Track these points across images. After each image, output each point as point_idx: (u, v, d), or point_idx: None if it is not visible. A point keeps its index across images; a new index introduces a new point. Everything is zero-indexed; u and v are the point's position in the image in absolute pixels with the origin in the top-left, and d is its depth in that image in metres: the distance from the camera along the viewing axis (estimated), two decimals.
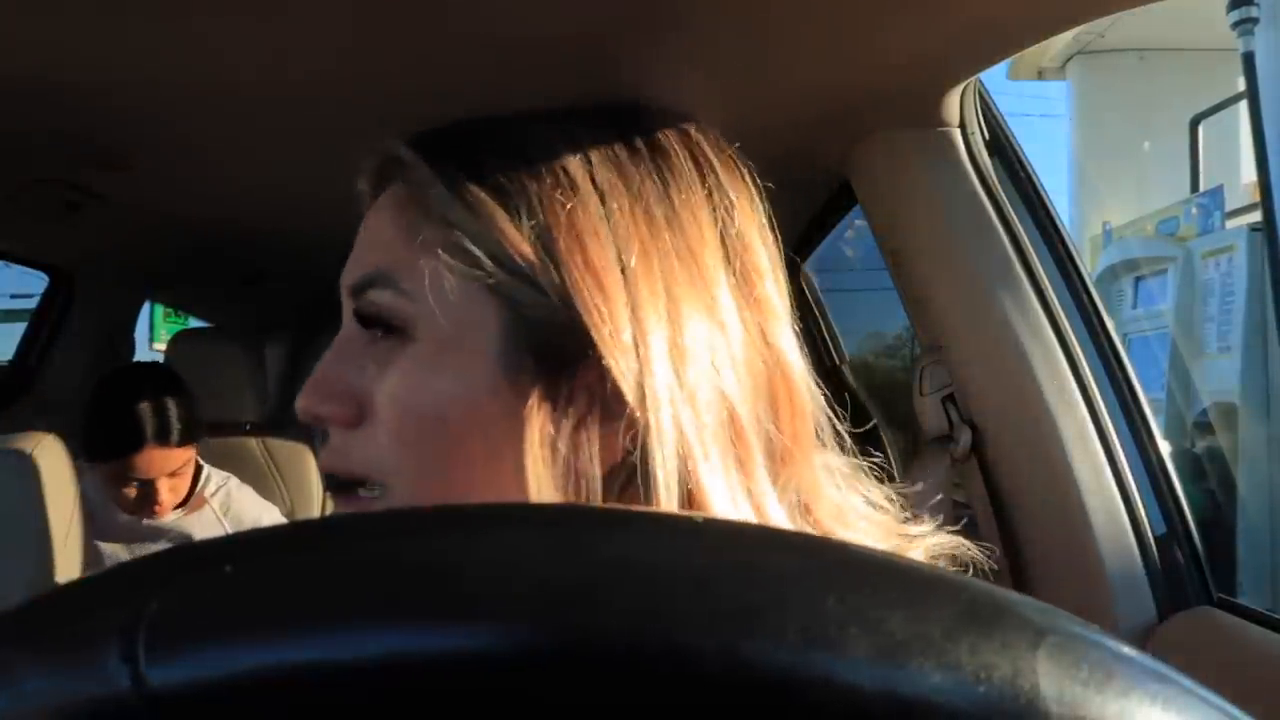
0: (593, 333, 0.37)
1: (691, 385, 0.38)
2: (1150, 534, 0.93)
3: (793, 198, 1.42)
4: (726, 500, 0.37)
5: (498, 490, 0.38)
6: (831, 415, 0.46)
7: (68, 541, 1.32)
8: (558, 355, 0.38)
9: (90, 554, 1.47)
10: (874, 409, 1.92)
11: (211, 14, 0.80)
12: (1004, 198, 1.00)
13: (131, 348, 2.25)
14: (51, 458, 1.32)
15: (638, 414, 0.36)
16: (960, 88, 0.94)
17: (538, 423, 0.37)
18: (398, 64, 0.91)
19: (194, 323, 2.79)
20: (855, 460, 0.47)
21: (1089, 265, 3.23)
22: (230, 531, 1.58)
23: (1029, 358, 0.94)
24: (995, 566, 0.48)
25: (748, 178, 0.46)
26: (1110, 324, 1.03)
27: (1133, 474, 0.94)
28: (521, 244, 0.38)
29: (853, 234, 1.83)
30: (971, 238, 0.97)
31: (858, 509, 0.43)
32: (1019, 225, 0.99)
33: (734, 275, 0.41)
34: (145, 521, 1.55)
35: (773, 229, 0.45)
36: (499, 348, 0.39)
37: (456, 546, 0.19)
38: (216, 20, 0.81)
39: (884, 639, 0.17)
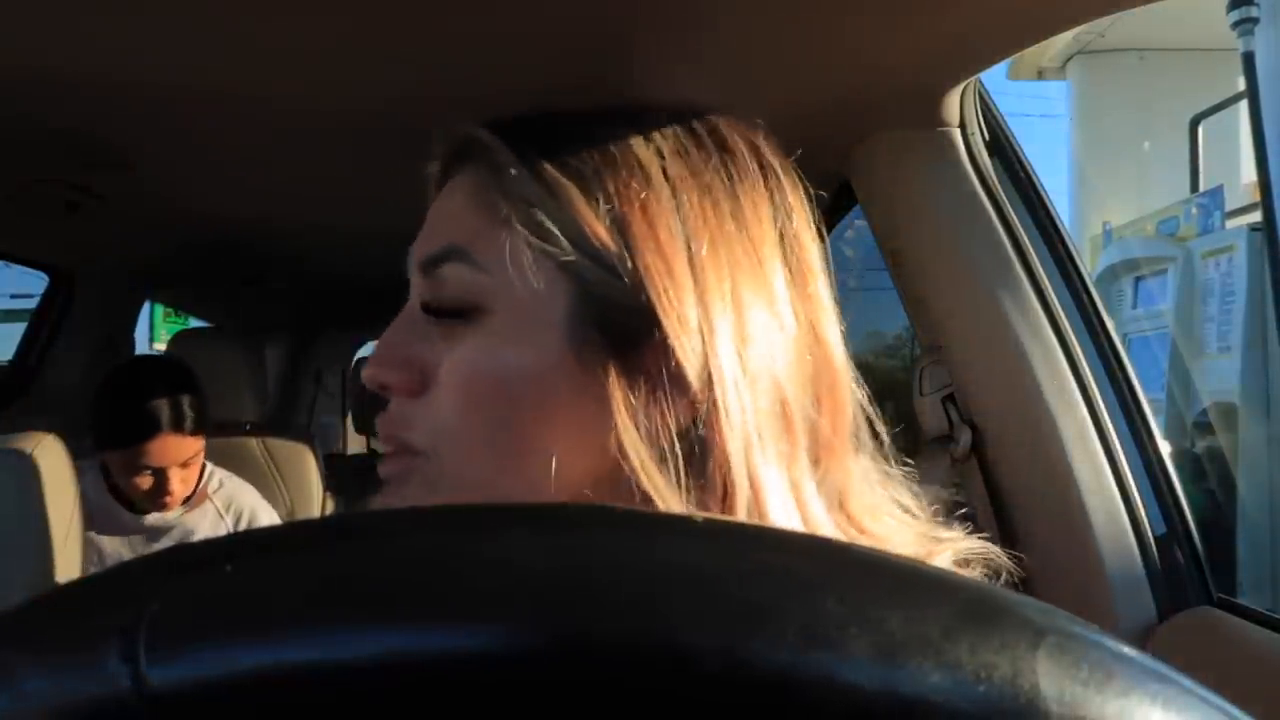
0: (661, 315, 0.38)
1: (753, 371, 0.39)
2: (1150, 534, 0.93)
3: None
4: (777, 486, 0.39)
5: (545, 464, 0.39)
6: (871, 416, 0.47)
7: (68, 541, 1.32)
8: (625, 334, 0.39)
9: (92, 553, 1.47)
10: (874, 409, 1.92)
11: (212, 14, 0.80)
12: (1004, 198, 1.00)
13: (131, 348, 2.25)
14: (51, 458, 1.32)
15: (702, 396, 0.38)
16: (960, 88, 0.94)
17: (619, 394, 0.39)
18: (400, 63, 0.91)
19: (194, 323, 2.79)
20: (887, 466, 0.49)
21: (1089, 265, 3.23)
22: (232, 527, 1.58)
23: (1029, 358, 0.94)
24: (1024, 574, 0.49)
25: (802, 185, 0.48)
26: (1110, 324, 1.03)
27: (1133, 474, 0.94)
28: (597, 226, 0.40)
29: (853, 234, 1.83)
30: (971, 238, 0.97)
31: (888, 508, 0.45)
32: (1019, 225, 0.99)
33: (789, 271, 0.43)
34: (148, 520, 1.55)
35: (821, 238, 0.48)
36: (568, 323, 0.40)
37: (456, 546, 0.19)
38: (217, 20, 0.81)
39: (884, 639, 0.17)
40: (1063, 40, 4.79)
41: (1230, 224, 3.38)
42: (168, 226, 1.59)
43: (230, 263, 1.97)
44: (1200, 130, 3.71)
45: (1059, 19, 0.77)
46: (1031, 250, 0.98)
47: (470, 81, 0.95)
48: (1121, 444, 0.94)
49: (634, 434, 0.38)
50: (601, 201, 0.40)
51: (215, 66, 0.92)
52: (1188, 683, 0.18)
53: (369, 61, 0.91)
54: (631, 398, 0.39)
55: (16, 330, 2.11)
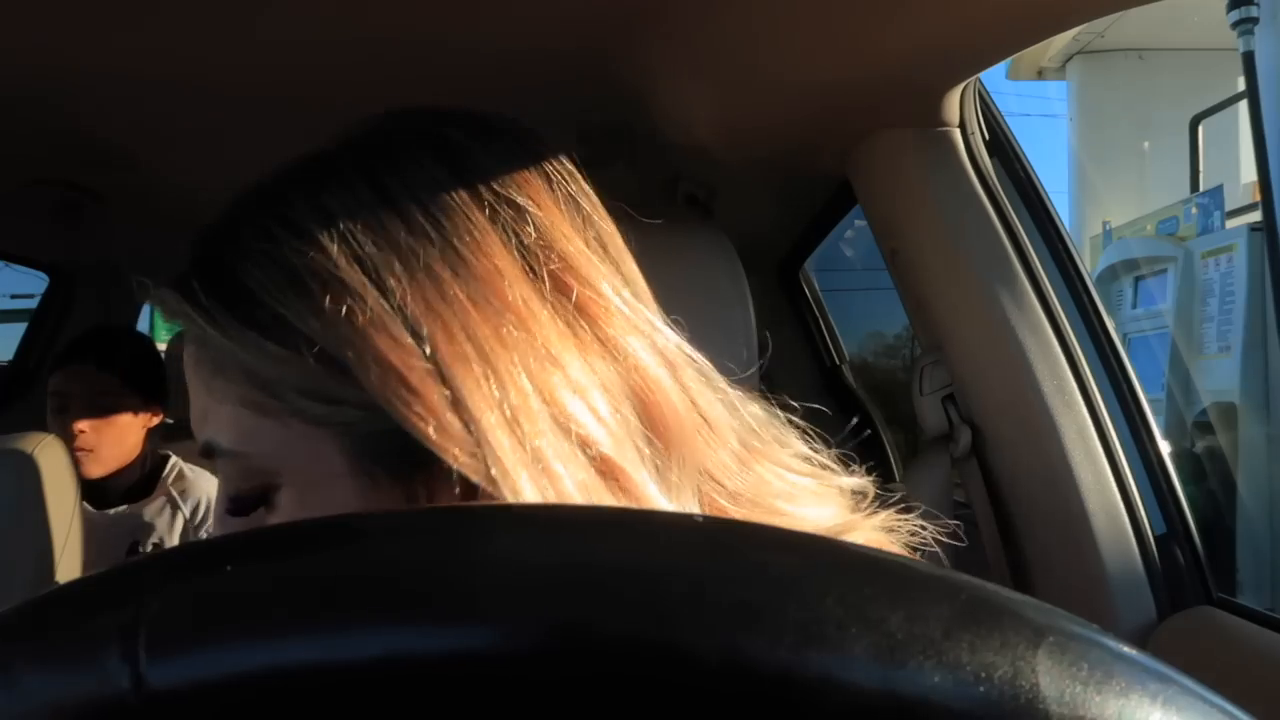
0: (419, 437, 0.33)
1: (536, 443, 0.34)
2: (1150, 534, 0.93)
3: (793, 198, 1.42)
4: None
5: None
6: (732, 402, 0.42)
7: (68, 541, 1.32)
8: (404, 458, 0.35)
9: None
10: (874, 409, 1.92)
11: (212, 15, 0.80)
12: (1004, 198, 1.00)
13: None
14: (51, 458, 1.32)
15: (498, 496, 0.33)
16: (960, 88, 0.94)
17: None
18: (399, 65, 0.91)
19: None
20: (781, 415, 0.45)
21: (1089, 265, 3.23)
22: (188, 516, 1.57)
23: (1029, 358, 0.94)
24: (958, 544, 0.48)
25: (539, 164, 0.40)
26: (1110, 324, 1.03)
27: (1133, 474, 0.94)
28: (310, 372, 0.34)
29: (853, 234, 1.83)
30: (971, 238, 0.97)
31: (783, 484, 0.42)
32: (1019, 225, 0.99)
33: (546, 289, 0.37)
34: (104, 511, 1.53)
35: (623, 209, 0.42)
36: (348, 469, 0.35)
37: (457, 547, 0.19)
38: (217, 21, 0.81)
39: (883, 638, 0.17)
40: (1063, 40, 4.79)
41: (1230, 224, 3.38)
42: (168, 226, 1.59)
43: None
44: (1200, 130, 3.71)
45: (1059, 19, 0.77)
46: (1031, 250, 0.98)
47: (472, 81, 0.95)
48: (1121, 444, 0.94)
49: None
50: (302, 343, 0.34)
51: (216, 67, 0.92)
52: (1188, 682, 0.18)
53: (370, 61, 0.91)
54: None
55: (16, 330, 2.11)
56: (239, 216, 0.40)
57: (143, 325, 2.54)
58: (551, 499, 0.33)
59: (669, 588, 0.18)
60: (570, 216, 0.39)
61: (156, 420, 1.56)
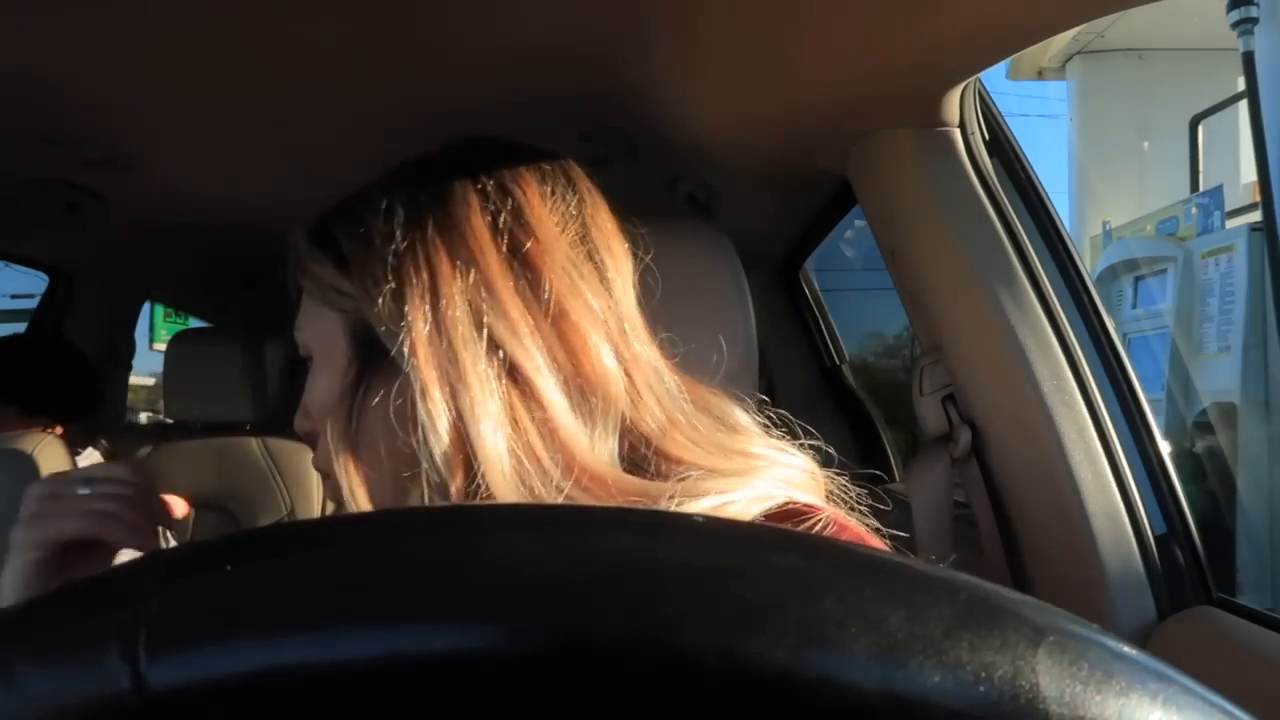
0: (367, 314, 0.49)
1: (454, 340, 0.47)
2: (1150, 534, 0.93)
3: (793, 198, 1.42)
4: (497, 442, 0.45)
5: (379, 459, 0.49)
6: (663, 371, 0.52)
7: None
8: (375, 342, 0.49)
9: None
10: (874, 409, 1.92)
11: (212, 16, 0.80)
12: (1004, 198, 1.00)
13: (131, 348, 2.25)
14: (51, 458, 1.32)
15: (411, 373, 0.46)
16: (960, 88, 0.94)
17: (356, 394, 0.49)
18: (399, 65, 0.91)
19: (194, 323, 2.79)
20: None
21: (1089, 265, 3.23)
22: None
23: (1029, 358, 0.94)
24: (884, 508, 0.53)
25: (544, 170, 0.54)
26: (1110, 324, 1.03)
27: (1133, 474, 0.94)
28: (337, 275, 0.51)
29: (853, 234, 1.83)
30: (971, 238, 0.97)
31: (711, 431, 0.51)
32: (1019, 225, 0.99)
33: (504, 246, 0.50)
34: None
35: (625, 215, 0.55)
36: (347, 347, 0.52)
37: (457, 546, 0.19)
38: (217, 21, 0.81)
39: (884, 638, 0.17)
40: (1063, 40, 4.79)
41: (1230, 224, 3.38)
42: (168, 226, 1.59)
43: (230, 263, 1.96)
44: (1200, 130, 3.71)
45: (1059, 19, 0.77)
46: (1031, 250, 0.98)
47: (472, 83, 0.95)
48: (1121, 444, 0.94)
49: (374, 422, 0.48)
50: (330, 252, 0.52)
51: (216, 67, 0.92)
52: (1188, 682, 0.18)
53: (370, 63, 0.91)
54: (367, 400, 0.49)
55: (16, 330, 2.11)
56: (344, 201, 0.55)
57: (143, 325, 2.53)
58: (454, 386, 0.45)
59: (669, 587, 0.18)
60: (548, 202, 0.53)
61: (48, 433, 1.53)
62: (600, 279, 0.52)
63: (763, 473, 0.49)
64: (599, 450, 0.48)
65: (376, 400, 0.48)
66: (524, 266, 0.50)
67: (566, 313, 0.49)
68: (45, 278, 1.98)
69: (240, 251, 1.85)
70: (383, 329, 0.48)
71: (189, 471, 1.90)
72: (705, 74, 0.93)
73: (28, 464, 1.28)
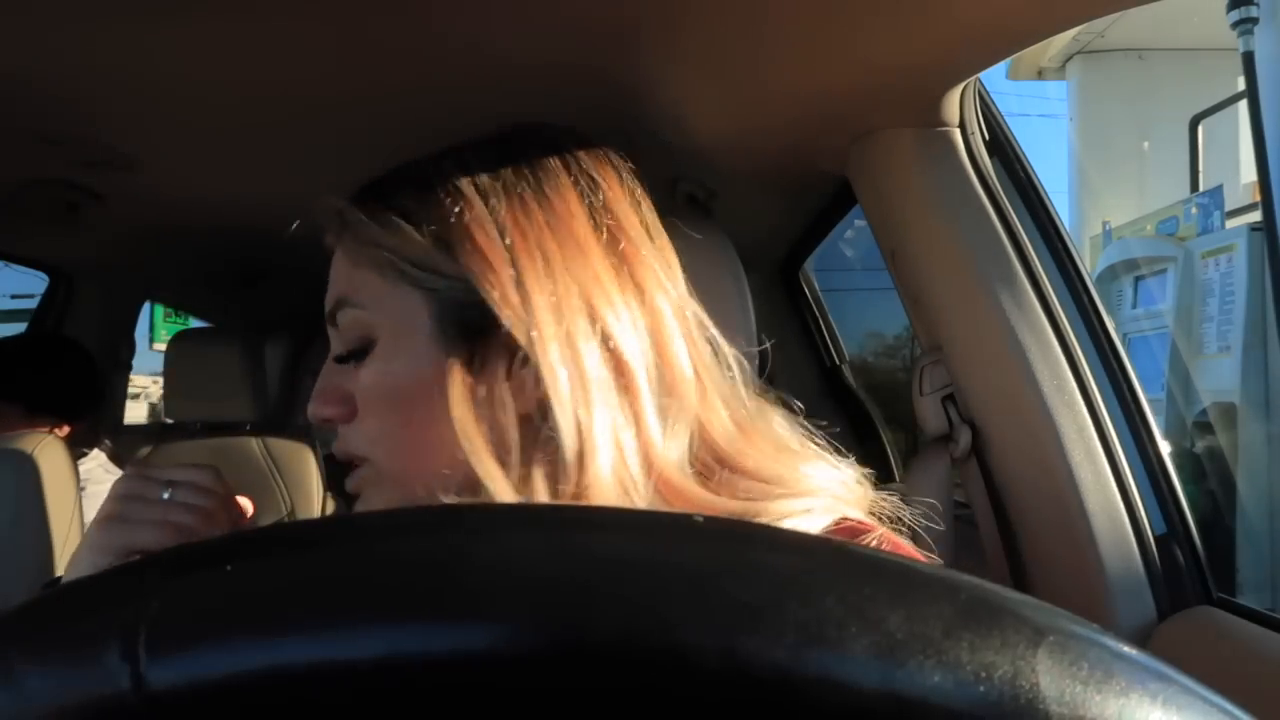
0: (486, 297, 0.46)
1: (570, 328, 0.46)
2: (1150, 534, 0.93)
3: (793, 198, 1.42)
4: (608, 437, 0.45)
5: (445, 449, 0.46)
6: (730, 361, 0.52)
7: (68, 541, 1.32)
8: (473, 324, 0.47)
9: None
10: (874, 409, 1.92)
11: (212, 16, 0.80)
12: (1004, 198, 1.00)
13: (131, 348, 2.25)
14: (51, 458, 1.32)
15: (532, 358, 0.45)
16: (960, 88, 0.94)
17: (458, 378, 0.47)
18: (398, 64, 0.91)
19: (194, 323, 2.79)
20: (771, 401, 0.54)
21: (1089, 265, 3.23)
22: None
23: (1029, 358, 0.94)
24: (939, 527, 0.52)
25: (615, 164, 0.55)
26: (1110, 324, 1.03)
27: (1133, 474, 0.94)
28: (428, 247, 0.49)
29: (853, 234, 1.83)
30: (971, 238, 0.97)
31: (766, 440, 0.50)
32: (1019, 225, 0.99)
33: (603, 236, 0.50)
34: None
35: (651, 204, 0.54)
36: (431, 328, 0.49)
37: (456, 547, 0.19)
38: (217, 22, 0.81)
39: (883, 638, 0.17)
40: (1063, 40, 4.79)
41: (1230, 224, 3.38)
42: (168, 227, 1.59)
43: (230, 263, 1.96)
44: (1200, 130, 3.71)
45: (1059, 19, 0.77)
46: (1031, 250, 0.98)
47: (472, 82, 0.95)
48: (1121, 444, 0.94)
49: (469, 421, 0.45)
50: (426, 225, 0.49)
51: (215, 67, 0.92)
52: (1188, 682, 0.18)
53: (370, 66, 0.91)
54: (472, 379, 0.47)
55: (16, 330, 2.11)
56: (405, 166, 0.54)
57: (142, 325, 2.53)
58: (573, 375, 0.45)
59: (669, 588, 0.18)
60: (629, 199, 0.53)
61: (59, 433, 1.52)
62: (671, 274, 0.52)
63: (819, 488, 0.48)
64: (670, 453, 0.47)
65: (468, 384, 0.47)
66: (620, 259, 0.49)
67: (657, 310, 0.49)
68: (45, 278, 1.98)
69: (240, 251, 1.85)
70: (506, 314, 0.45)
71: None
72: (705, 75, 0.93)
73: (28, 464, 1.28)
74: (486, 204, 0.49)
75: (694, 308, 0.52)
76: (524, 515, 0.21)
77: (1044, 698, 0.17)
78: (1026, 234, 0.99)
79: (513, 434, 0.45)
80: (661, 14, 0.80)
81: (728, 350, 0.52)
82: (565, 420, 0.44)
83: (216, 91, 0.98)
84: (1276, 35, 2.30)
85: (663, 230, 0.54)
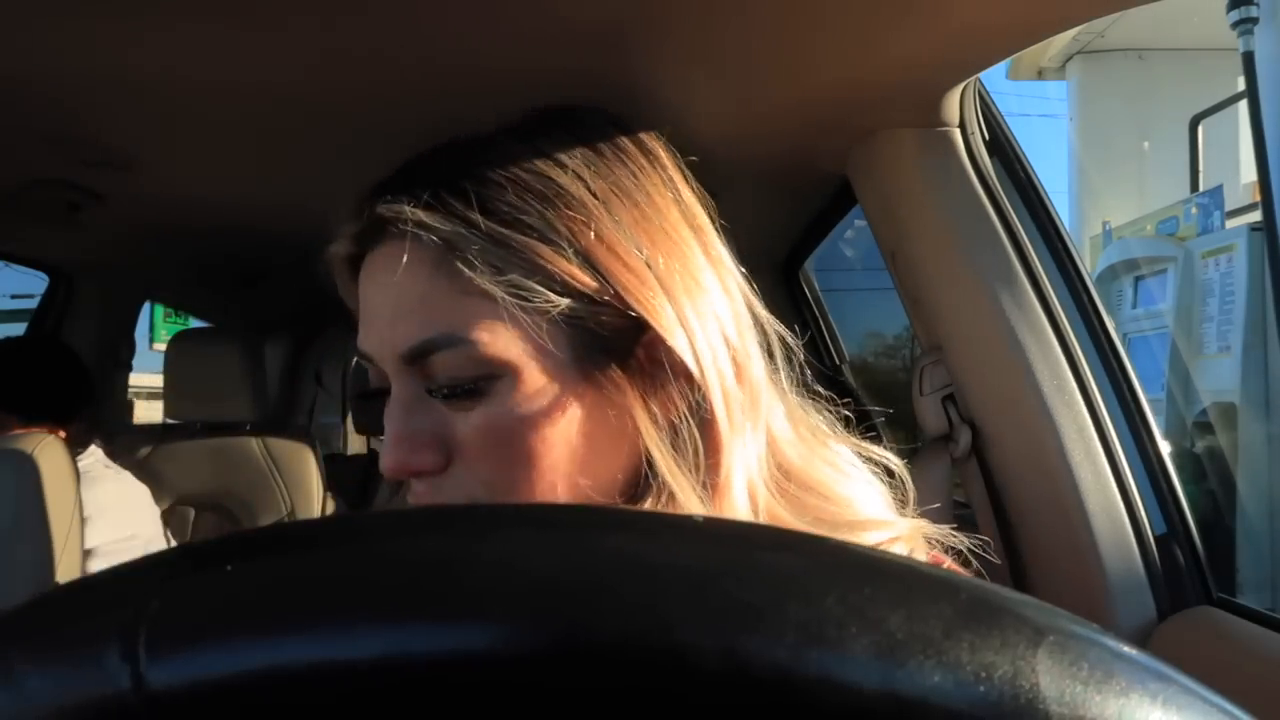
0: (651, 320, 0.43)
1: (717, 345, 0.44)
2: (1150, 534, 0.93)
3: (793, 198, 1.42)
4: (742, 446, 0.44)
5: (577, 484, 0.44)
6: (801, 364, 0.51)
7: (68, 541, 1.32)
8: (623, 348, 0.44)
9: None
10: (874, 409, 1.92)
11: (212, 17, 0.80)
12: (1004, 198, 1.00)
13: (131, 348, 2.25)
14: (51, 458, 1.32)
15: (697, 378, 0.43)
16: (960, 88, 0.94)
17: (637, 403, 0.43)
18: (397, 67, 0.91)
19: (194, 323, 2.80)
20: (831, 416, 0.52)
21: (1089, 265, 3.23)
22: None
23: (1029, 358, 0.94)
24: (995, 560, 0.51)
25: (670, 150, 0.51)
26: (1110, 324, 1.03)
27: (1133, 474, 0.94)
28: (570, 269, 0.43)
29: (853, 234, 1.83)
30: (971, 238, 0.97)
31: (823, 456, 0.49)
32: (1019, 225, 0.99)
33: (698, 238, 0.47)
34: None
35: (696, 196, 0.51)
36: (574, 361, 0.43)
37: (457, 547, 0.19)
38: (218, 23, 0.81)
39: (884, 638, 0.17)
40: (1063, 40, 4.79)
41: (1230, 224, 3.38)
42: (168, 227, 1.59)
43: (230, 263, 1.96)
44: (1200, 130, 3.71)
45: (1059, 19, 0.77)
46: (1031, 250, 0.98)
47: (470, 84, 0.95)
48: (1121, 444, 0.94)
49: (650, 428, 0.43)
50: (564, 244, 0.43)
51: (215, 67, 0.92)
52: (1188, 682, 0.18)
53: (370, 62, 0.91)
54: (643, 397, 0.44)
55: (16, 330, 2.11)
56: (462, 155, 0.47)
57: (143, 325, 2.52)
58: (726, 386, 0.43)
59: (669, 588, 0.18)
60: (697, 190, 0.50)
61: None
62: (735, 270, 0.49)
63: (892, 518, 0.47)
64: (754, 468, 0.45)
65: (646, 410, 0.43)
66: (709, 260, 0.47)
67: (740, 313, 0.47)
68: (45, 278, 1.98)
69: (240, 251, 1.85)
70: (666, 330, 0.42)
71: (189, 472, 1.90)
72: (705, 75, 0.93)
73: (28, 464, 1.28)
74: (610, 213, 0.44)
75: (755, 301, 0.49)
76: (524, 515, 0.21)
77: (1044, 698, 0.17)
78: (1026, 234, 0.99)
79: (694, 437, 0.43)
80: (661, 15, 0.80)
81: (793, 344, 0.50)
82: (727, 433, 0.43)
83: (217, 92, 0.98)
84: (1276, 35, 2.30)
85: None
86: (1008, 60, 1.09)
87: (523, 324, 0.42)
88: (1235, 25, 2.21)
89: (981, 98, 1.02)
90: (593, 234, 0.43)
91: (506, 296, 0.42)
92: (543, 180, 0.44)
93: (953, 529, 0.49)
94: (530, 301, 0.42)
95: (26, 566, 1.27)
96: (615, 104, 1.02)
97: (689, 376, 0.43)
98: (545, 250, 0.42)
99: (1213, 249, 3.27)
